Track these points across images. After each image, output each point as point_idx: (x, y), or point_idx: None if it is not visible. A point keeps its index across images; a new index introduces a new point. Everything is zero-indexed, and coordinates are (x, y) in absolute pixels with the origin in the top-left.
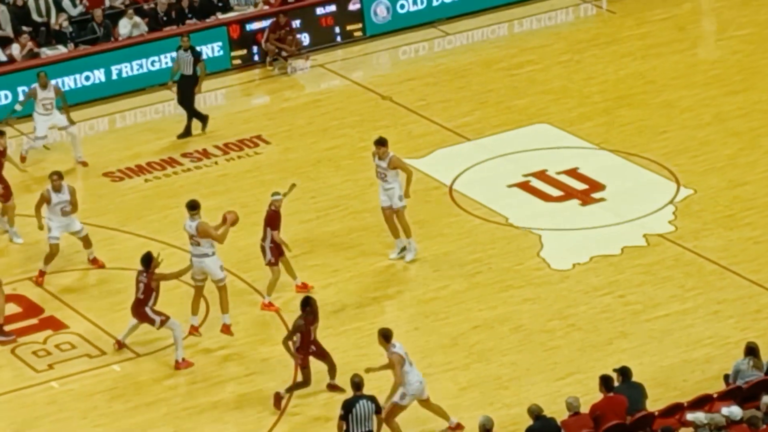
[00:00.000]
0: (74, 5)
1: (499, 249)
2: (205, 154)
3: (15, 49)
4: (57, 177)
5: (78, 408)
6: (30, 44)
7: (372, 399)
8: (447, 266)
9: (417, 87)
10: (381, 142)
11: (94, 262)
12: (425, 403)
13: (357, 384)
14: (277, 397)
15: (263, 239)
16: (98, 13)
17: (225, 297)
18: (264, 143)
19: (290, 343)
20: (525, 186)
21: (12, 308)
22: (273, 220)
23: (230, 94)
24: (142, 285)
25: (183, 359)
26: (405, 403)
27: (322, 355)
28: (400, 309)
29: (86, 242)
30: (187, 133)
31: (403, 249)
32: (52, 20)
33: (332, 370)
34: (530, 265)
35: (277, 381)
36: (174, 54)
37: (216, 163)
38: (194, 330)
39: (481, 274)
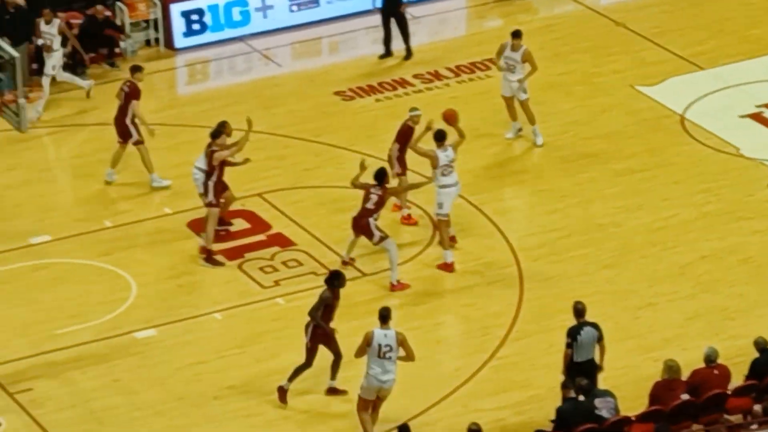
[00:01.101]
0: None
1: (730, 180)
2: (437, 75)
3: None
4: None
5: (302, 325)
6: None
7: (595, 325)
8: (676, 195)
9: (652, 14)
10: (518, 35)
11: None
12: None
13: (579, 311)
14: (282, 392)
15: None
16: None
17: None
18: (496, 67)
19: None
20: (758, 117)
21: (241, 224)
22: (406, 135)
23: (464, 16)
24: (374, 197)
25: (398, 281)
26: None
27: (331, 340)
28: (628, 237)
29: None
30: (388, 52)
31: (519, 130)
32: None
33: (336, 363)
34: (761, 196)
35: (502, 304)
36: None
37: (447, 85)
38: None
39: (710, 204)
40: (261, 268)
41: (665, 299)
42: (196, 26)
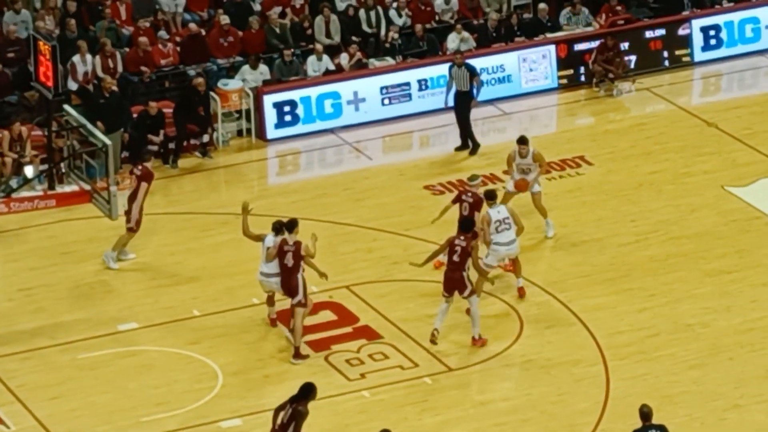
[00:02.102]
0: (399, 15)
1: None
2: None
3: (344, 59)
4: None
5: (388, 418)
6: (358, 54)
7: (662, 428)
8: (765, 297)
9: (742, 115)
10: (523, 141)
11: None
12: None
13: (646, 414)
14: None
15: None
16: (419, 28)
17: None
18: (586, 164)
19: None
20: None
21: (327, 316)
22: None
23: (555, 114)
24: (459, 249)
25: (479, 336)
26: None
27: None
28: (716, 338)
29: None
30: (464, 145)
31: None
32: (382, 32)
33: None
34: None
35: (589, 402)
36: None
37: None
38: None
39: None
40: (347, 361)
41: (752, 401)
42: (288, 117)
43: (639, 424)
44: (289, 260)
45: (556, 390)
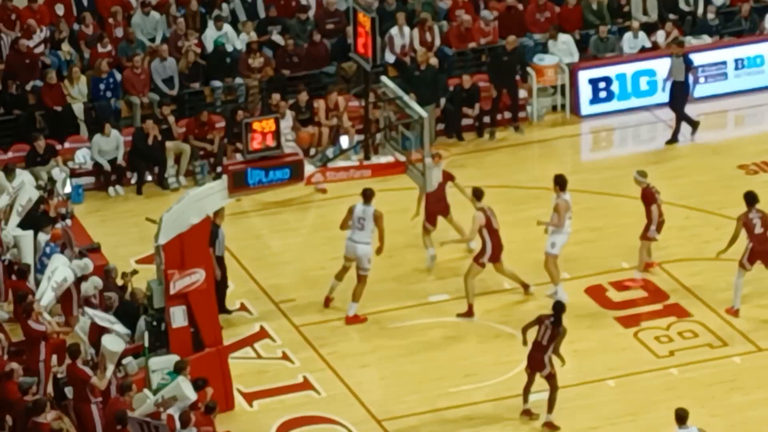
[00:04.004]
0: None
1: None
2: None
3: (660, 36)
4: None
5: (696, 396)
6: (675, 32)
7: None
8: None
9: None
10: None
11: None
12: None
13: (681, 417)
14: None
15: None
16: (746, 7)
17: None
18: None
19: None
20: None
21: (638, 293)
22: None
23: None
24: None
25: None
26: None
27: None
28: None
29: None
30: (674, 139)
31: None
32: (699, 10)
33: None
34: None
35: None
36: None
37: None
38: None
39: None
40: (656, 338)
41: None
42: (602, 94)
43: None
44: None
45: None
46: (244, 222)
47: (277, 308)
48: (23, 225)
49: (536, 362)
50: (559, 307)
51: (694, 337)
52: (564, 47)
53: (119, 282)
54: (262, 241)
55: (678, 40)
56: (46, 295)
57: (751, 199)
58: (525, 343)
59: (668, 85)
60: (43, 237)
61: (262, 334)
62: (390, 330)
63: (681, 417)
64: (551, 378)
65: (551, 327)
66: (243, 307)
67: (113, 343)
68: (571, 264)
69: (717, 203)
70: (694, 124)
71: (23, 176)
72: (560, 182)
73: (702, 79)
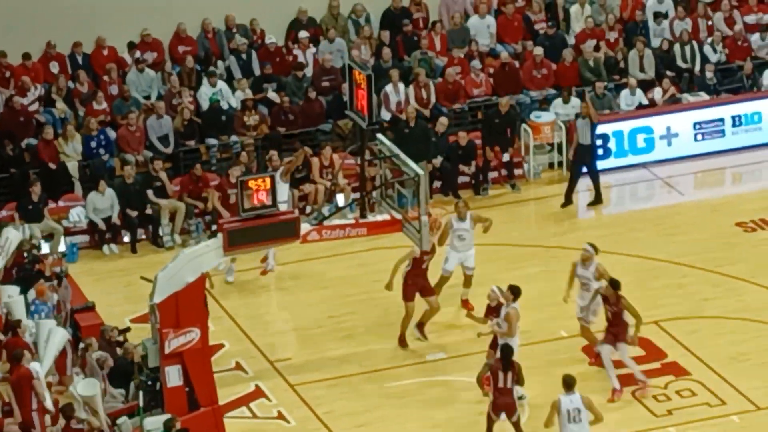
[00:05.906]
0: (714, 51)
1: None
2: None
3: (657, 93)
4: (463, 204)
5: None
6: (672, 89)
7: None
8: None
9: None
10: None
11: (465, 304)
12: None
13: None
14: None
15: None
16: (748, 65)
17: None
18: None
19: None
20: None
21: (637, 351)
22: None
23: None
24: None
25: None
26: None
27: None
28: None
29: (467, 282)
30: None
31: None
32: (696, 67)
33: None
34: None
35: None
36: None
37: None
38: None
39: None
40: (654, 396)
41: None
42: (599, 151)
43: None
44: None
45: None
46: (240, 279)
47: (272, 367)
48: (17, 283)
49: (508, 406)
50: (506, 350)
51: (692, 396)
52: (573, 110)
53: (119, 338)
54: (257, 299)
55: (584, 100)
56: (45, 362)
57: None
58: (486, 393)
59: (572, 149)
60: (33, 295)
61: (258, 393)
62: (386, 389)
63: (567, 383)
64: (518, 422)
65: (510, 371)
66: (238, 366)
67: (87, 388)
68: (572, 321)
69: (715, 261)
70: (598, 197)
71: (8, 233)
72: (515, 292)
73: (699, 136)
